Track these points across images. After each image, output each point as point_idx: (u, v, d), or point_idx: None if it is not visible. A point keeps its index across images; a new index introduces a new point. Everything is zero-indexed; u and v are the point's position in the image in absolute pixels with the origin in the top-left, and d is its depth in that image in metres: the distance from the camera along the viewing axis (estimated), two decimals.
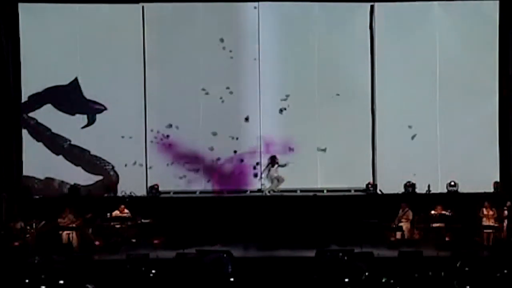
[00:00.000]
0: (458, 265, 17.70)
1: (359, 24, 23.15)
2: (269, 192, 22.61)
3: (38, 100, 22.95)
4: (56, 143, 23.02)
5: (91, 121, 23.06)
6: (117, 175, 23.03)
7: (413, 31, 23.03)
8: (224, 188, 22.95)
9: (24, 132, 22.97)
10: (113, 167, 23.04)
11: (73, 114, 23.07)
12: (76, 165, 23.03)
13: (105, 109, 23.00)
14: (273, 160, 22.59)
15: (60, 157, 23.01)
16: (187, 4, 23.08)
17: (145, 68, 22.95)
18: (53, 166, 22.95)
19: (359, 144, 23.08)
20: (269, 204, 22.06)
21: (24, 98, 22.87)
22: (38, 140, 23.00)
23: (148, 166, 23.01)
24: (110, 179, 22.97)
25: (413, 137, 22.91)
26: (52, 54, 22.88)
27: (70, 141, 23.04)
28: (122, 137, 22.94)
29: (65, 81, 22.92)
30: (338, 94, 22.95)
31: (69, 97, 22.99)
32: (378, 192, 22.86)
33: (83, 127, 23.02)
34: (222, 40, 23.00)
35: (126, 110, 23.00)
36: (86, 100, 23.01)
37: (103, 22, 22.92)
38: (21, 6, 22.77)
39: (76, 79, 22.96)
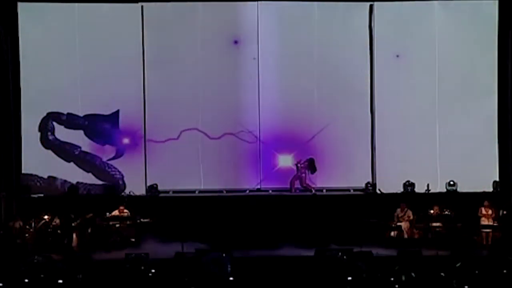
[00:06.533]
0: (457, 264, 17.73)
1: (358, 24, 23.16)
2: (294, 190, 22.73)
3: (73, 121, 23.03)
4: (66, 150, 23.04)
5: (118, 155, 23.08)
6: (125, 185, 23.04)
7: (412, 30, 23.05)
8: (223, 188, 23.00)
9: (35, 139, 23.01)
10: (122, 176, 23.06)
11: (103, 145, 23.10)
12: (87, 171, 23.08)
13: (136, 145, 23.04)
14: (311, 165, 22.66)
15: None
16: (187, 3, 23.08)
17: (144, 68, 22.96)
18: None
19: (358, 144, 23.10)
20: (268, 204, 22.07)
21: (24, 98, 22.86)
22: (46, 148, 23.05)
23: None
24: (118, 187, 23.02)
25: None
26: (52, 53, 22.87)
27: (80, 148, 23.05)
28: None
29: (64, 82, 22.90)
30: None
31: (104, 128, 23.04)
32: (377, 191, 22.88)
33: (109, 159, 23.01)
34: (221, 40, 23.00)
35: (125, 110, 23.02)
36: (120, 133, 23.06)
37: (102, 22, 22.91)
38: (20, 6, 22.76)
39: (117, 112, 22.95)
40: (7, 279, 16.87)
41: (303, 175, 22.61)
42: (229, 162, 23.04)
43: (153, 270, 17.50)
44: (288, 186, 22.73)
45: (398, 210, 21.43)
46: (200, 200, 22.49)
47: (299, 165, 22.59)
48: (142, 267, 17.52)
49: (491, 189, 22.54)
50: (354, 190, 22.91)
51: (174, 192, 22.99)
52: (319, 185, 22.83)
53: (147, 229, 21.25)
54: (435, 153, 22.97)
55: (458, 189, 22.47)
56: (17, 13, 22.71)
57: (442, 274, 16.78)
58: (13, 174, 22.79)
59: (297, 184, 22.69)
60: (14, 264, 17.80)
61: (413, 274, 17.10)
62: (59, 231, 20.89)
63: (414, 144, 22.97)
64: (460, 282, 16.80)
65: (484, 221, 21.02)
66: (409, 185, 22.57)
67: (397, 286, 17.08)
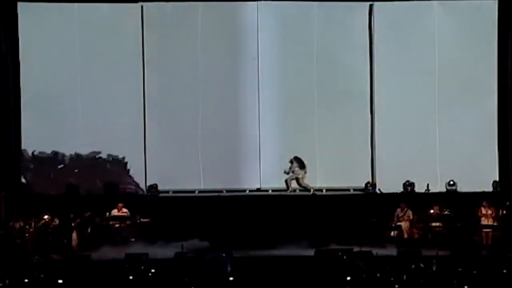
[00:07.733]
0: (457, 264, 17.73)
1: (358, 24, 23.16)
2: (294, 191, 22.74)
3: None
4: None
5: None
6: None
7: (412, 30, 23.05)
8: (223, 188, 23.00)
9: None
10: None
11: None
12: None
13: None
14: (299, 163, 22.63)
15: None
16: (187, 4, 23.09)
17: (144, 68, 22.96)
18: None
19: (358, 144, 23.09)
20: (268, 203, 22.08)
21: (24, 98, 22.86)
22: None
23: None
24: None
25: None
26: (52, 53, 22.86)
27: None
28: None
29: (64, 82, 22.88)
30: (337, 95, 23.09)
31: None
32: (377, 191, 22.88)
33: None
34: (221, 40, 23.01)
35: (125, 110, 23.03)
36: None
37: (102, 22, 22.90)
38: (20, 6, 22.76)
39: None
40: (7, 279, 16.87)
41: (299, 175, 22.61)
42: (229, 161, 23.02)
43: (153, 270, 17.51)
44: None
45: (398, 210, 21.46)
46: (200, 200, 22.49)
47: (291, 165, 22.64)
48: (142, 267, 17.53)
49: (491, 189, 22.54)
50: (354, 190, 22.91)
51: (174, 192, 23.00)
52: (319, 185, 22.84)
53: (147, 229, 21.25)
54: (435, 153, 22.97)
55: (458, 189, 22.47)
56: (17, 13, 22.71)
57: (442, 274, 16.79)
58: (13, 174, 22.79)
59: (294, 184, 22.67)
60: (14, 264, 17.82)
61: (413, 273, 17.13)
62: (59, 231, 20.89)
63: (414, 144, 22.96)
64: (460, 282, 16.81)
65: (484, 221, 21.04)
66: (409, 185, 22.58)
67: (397, 286, 17.09)
